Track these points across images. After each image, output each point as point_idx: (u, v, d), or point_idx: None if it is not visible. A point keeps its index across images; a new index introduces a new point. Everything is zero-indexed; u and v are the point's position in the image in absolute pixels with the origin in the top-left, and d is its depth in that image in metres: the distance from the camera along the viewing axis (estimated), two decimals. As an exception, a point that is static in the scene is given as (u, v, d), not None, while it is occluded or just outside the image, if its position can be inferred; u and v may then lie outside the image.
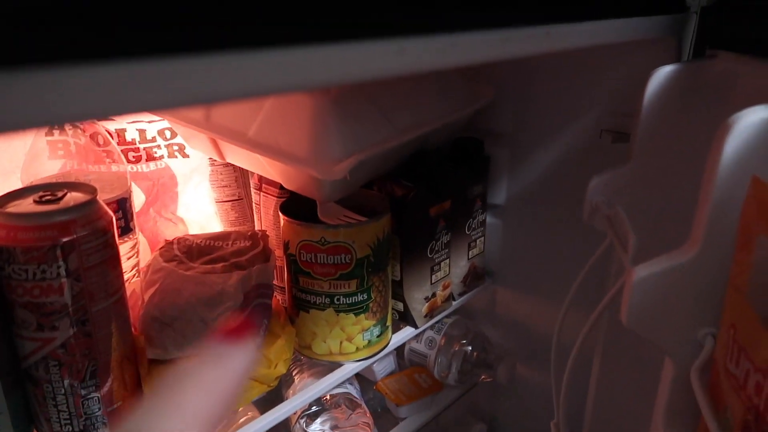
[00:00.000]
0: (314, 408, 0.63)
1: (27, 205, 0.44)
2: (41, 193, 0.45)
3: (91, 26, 0.18)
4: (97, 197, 0.46)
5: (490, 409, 0.86)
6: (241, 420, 0.59)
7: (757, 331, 0.30)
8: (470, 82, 0.68)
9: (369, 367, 0.76)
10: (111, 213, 0.47)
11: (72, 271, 0.43)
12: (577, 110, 0.66)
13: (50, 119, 0.19)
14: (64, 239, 0.42)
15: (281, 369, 0.54)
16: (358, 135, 0.52)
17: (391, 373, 0.77)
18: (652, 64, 0.51)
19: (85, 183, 0.48)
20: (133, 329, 0.52)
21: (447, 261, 0.68)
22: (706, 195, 0.36)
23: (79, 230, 0.43)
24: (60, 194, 0.45)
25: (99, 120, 0.61)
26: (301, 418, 0.62)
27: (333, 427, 0.61)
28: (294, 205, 0.60)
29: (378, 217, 0.57)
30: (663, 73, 0.51)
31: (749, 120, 0.33)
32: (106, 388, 0.47)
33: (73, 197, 0.45)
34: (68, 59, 0.18)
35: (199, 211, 0.73)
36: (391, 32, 0.26)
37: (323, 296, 0.57)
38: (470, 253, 0.73)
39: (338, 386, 0.65)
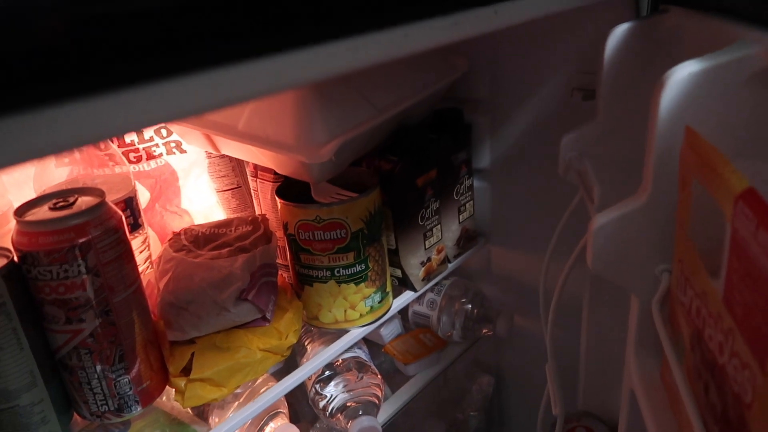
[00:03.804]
0: (327, 373, 0.68)
1: (43, 212, 0.48)
2: (55, 201, 0.49)
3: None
4: (106, 199, 0.50)
5: (495, 362, 0.91)
6: (262, 390, 0.64)
7: (696, 261, 0.34)
8: (445, 56, 0.71)
9: (377, 333, 0.81)
10: (120, 212, 0.51)
11: (91, 267, 0.47)
12: (549, 71, 0.69)
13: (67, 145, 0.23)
14: (81, 240, 0.47)
15: (292, 339, 0.59)
16: (340, 118, 0.56)
17: (398, 336, 0.81)
18: (615, 21, 0.54)
19: (93, 187, 0.52)
20: (152, 316, 0.56)
21: (438, 226, 0.72)
22: (650, 145, 0.39)
23: (93, 230, 0.47)
24: (71, 200, 0.49)
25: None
26: (316, 383, 0.68)
27: (346, 389, 0.66)
28: (289, 188, 0.64)
29: (367, 192, 0.61)
30: (620, 30, 0.54)
31: (679, 75, 0.36)
32: (134, 370, 0.52)
33: (84, 201, 0.49)
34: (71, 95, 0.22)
35: (202, 201, 0.77)
36: (345, 34, 0.30)
37: (324, 270, 0.62)
38: (461, 217, 0.77)
39: (348, 351, 0.70)
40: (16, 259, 0.48)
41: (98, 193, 0.51)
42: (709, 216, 0.34)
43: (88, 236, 0.47)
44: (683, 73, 0.36)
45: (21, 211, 0.48)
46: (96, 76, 0.22)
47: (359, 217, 0.60)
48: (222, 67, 0.25)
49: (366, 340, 0.80)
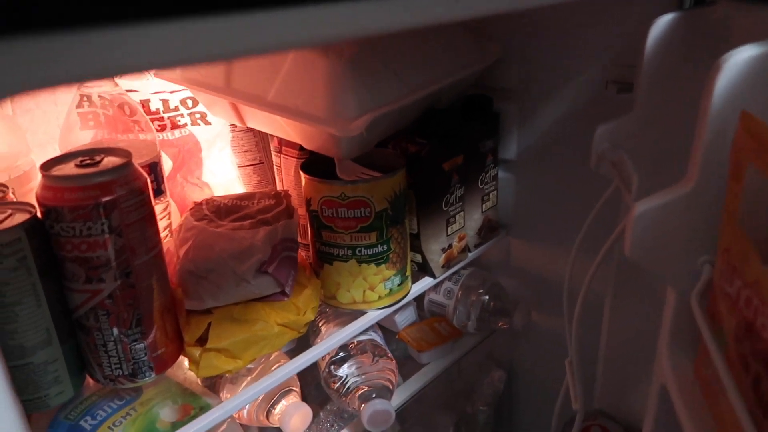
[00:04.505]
0: (341, 354, 0.67)
1: (69, 168, 0.47)
2: (81, 158, 0.49)
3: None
4: (132, 160, 0.49)
5: (508, 356, 0.90)
6: (273, 367, 0.63)
7: (747, 251, 0.32)
8: (478, 41, 0.70)
9: (391, 319, 0.80)
10: (145, 175, 0.50)
11: (114, 227, 0.47)
12: (583, 63, 0.68)
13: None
14: (106, 198, 0.46)
15: (309, 316, 0.58)
16: (372, 94, 0.55)
17: (412, 324, 0.80)
18: (655, 13, 0.53)
19: (120, 148, 0.51)
20: (171, 283, 0.56)
21: (461, 214, 0.71)
22: (700, 131, 0.38)
23: (119, 190, 0.47)
24: (98, 158, 0.49)
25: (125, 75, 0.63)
26: (330, 364, 0.67)
27: (360, 372, 0.65)
28: (314, 165, 0.63)
29: (394, 173, 0.60)
30: (664, 21, 0.53)
31: (738, 58, 0.35)
32: (150, 336, 0.51)
33: (111, 161, 0.49)
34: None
35: (223, 175, 0.76)
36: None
37: (345, 248, 0.61)
38: (484, 206, 0.75)
39: (363, 334, 0.69)
40: (39, 215, 0.47)
41: (125, 153, 0.50)
42: (764, 202, 0.33)
43: (113, 195, 0.46)
44: (742, 56, 0.35)
45: (47, 166, 0.48)
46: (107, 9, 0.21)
47: (384, 196, 0.59)
48: (252, 12, 0.24)
49: (379, 326, 0.79)
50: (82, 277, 0.47)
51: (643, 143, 0.56)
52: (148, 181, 0.50)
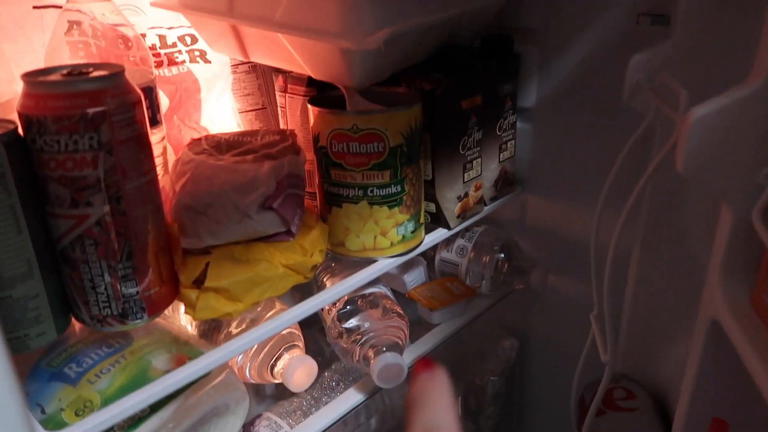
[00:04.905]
0: (349, 308, 0.62)
1: (55, 77, 0.43)
2: (69, 70, 0.44)
3: None
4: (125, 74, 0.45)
5: (521, 323, 0.86)
6: (269, 314, 0.58)
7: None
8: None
9: (400, 280, 0.75)
10: (140, 91, 0.45)
11: (104, 143, 0.42)
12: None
13: None
14: (95, 109, 0.41)
15: (317, 258, 0.54)
16: (389, 10, 0.50)
17: (423, 284, 0.76)
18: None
19: (111, 63, 0.46)
20: (166, 220, 0.51)
21: (479, 160, 0.66)
22: (771, 21, 0.34)
23: (110, 101, 0.42)
24: (86, 71, 0.44)
25: None
26: (337, 318, 0.62)
27: (369, 326, 0.61)
28: (322, 101, 0.58)
29: (410, 105, 0.55)
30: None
31: None
32: (142, 272, 0.46)
33: (101, 72, 0.44)
34: None
35: (223, 121, 0.72)
36: None
37: (356, 188, 0.56)
38: (501, 155, 0.71)
39: (373, 286, 0.64)
40: (21, 132, 0.43)
41: (117, 67, 0.45)
42: None
43: (103, 106, 0.41)
44: None
45: (31, 75, 0.43)
46: None
47: (399, 130, 0.54)
48: None
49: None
50: (67, 201, 0.43)
51: (682, 70, 0.51)
52: (143, 98, 0.46)
